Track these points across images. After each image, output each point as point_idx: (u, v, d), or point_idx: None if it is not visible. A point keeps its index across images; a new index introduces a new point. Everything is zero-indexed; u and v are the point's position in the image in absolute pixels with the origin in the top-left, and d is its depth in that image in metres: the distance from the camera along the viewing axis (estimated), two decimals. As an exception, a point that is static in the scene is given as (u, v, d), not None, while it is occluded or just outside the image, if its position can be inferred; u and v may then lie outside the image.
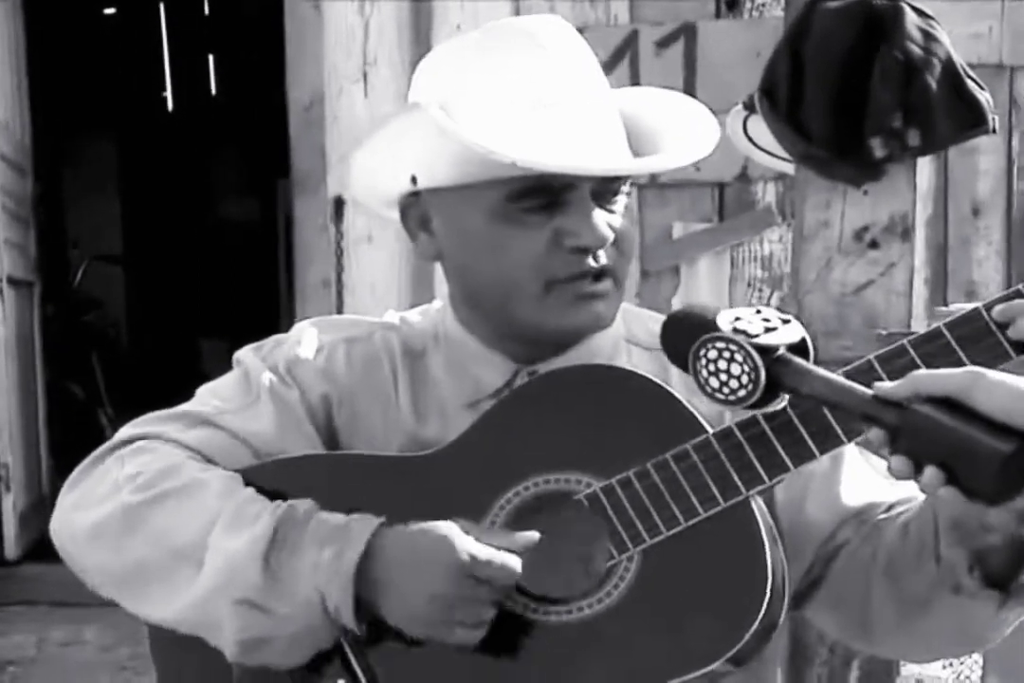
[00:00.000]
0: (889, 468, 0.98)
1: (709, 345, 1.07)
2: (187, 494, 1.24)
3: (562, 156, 1.20)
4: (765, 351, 1.06)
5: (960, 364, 1.02)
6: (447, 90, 1.24)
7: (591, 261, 1.23)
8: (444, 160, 1.24)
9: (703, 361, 1.08)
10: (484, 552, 1.15)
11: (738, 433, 1.13)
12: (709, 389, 1.08)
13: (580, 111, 1.23)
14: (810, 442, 1.10)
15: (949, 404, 0.95)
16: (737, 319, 1.08)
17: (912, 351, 1.06)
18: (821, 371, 1.05)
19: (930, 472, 0.95)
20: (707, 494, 1.14)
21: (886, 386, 0.99)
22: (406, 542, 1.18)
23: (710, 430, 1.15)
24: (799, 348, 1.08)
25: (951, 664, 3.31)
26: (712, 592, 1.13)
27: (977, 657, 3.08)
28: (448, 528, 1.17)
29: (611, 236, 1.23)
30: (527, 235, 1.23)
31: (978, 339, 1.04)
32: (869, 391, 1.00)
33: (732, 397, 1.07)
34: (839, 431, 1.09)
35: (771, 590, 1.11)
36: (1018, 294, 1.05)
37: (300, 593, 1.18)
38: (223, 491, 1.24)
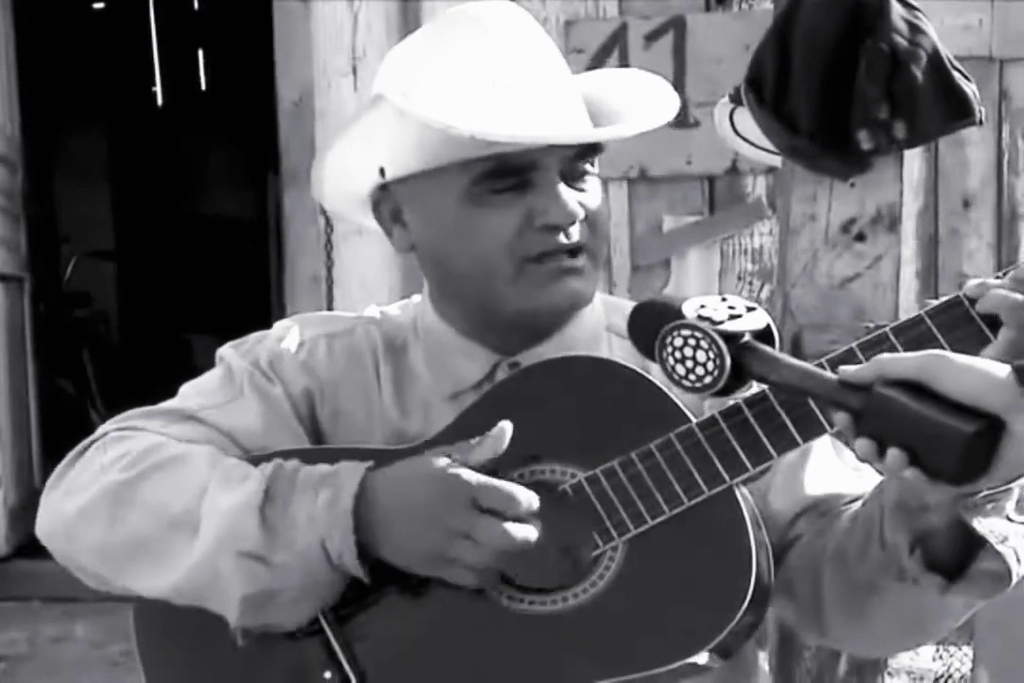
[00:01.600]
0: (854, 451, 0.99)
1: (675, 333, 1.08)
2: (175, 465, 1.24)
3: (520, 128, 1.20)
4: (730, 338, 1.06)
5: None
6: (405, 81, 1.25)
7: (563, 238, 1.24)
8: (408, 147, 1.25)
9: (669, 349, 1.09)
10: (490, 480, 1.14)
11: (721, 422, 1.13)
12: (676, 376, 1.09)
13: (537, 89, 1.24)
14: (793, 430, 1.10)
15: (913, 387, 0.96)
16: (702, 307, 1.09)
17: (893, 338, 1.06)
18: (786, 357, 1.06)
19: (893, 454, 0.96)
20: (691, 483, 1.14)
21: (850, 370, 1.00)
22: (402, 476, 1.18)
23: (693, 419, 1.15)
24: (764, 335, 1.09)
25: (941, 656, 3.33)
26: (698, 581, 1.13)
27: (967, 649, 3.09)
28: (443, 459, 1.17)
29: (581, 213, 1.24)
30: (497, 217, 1.24)
31: (959, 326, 1.05)
32: (834, 376, 1.01)
33: (698, 384, 1.08)
34: (821, 419, 1.09)
35: (756, 578, 1.11)
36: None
37: (300, 543, 1.17)
38: (210, 459, 1.25)
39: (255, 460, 1.28)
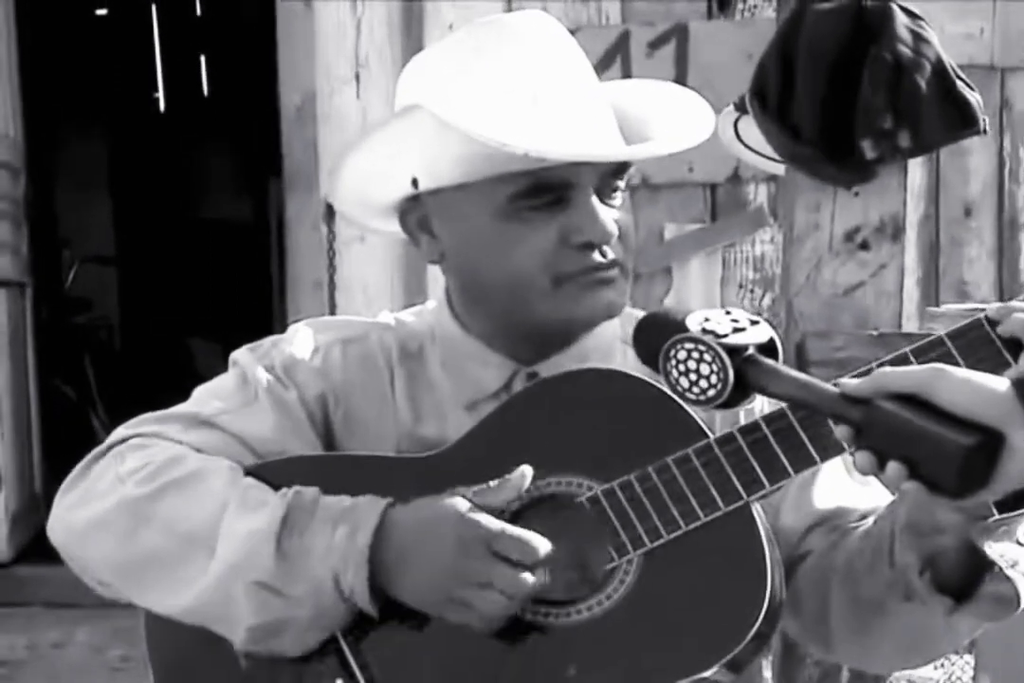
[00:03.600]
0: (854, 464, 0.99)
1: (679, 346, 1.09)
2: (193, 483, 1.24)
3: (568, 146, 1.20)
4: (733, 351, 1.07)
5: None
6: (440, 91, 1.24)
7: (598, 256, 1.25)
8: (447, 159, 1.24)
9: (673, 362, 1.09)
10: (507, 527, 1.15)
11: (739, 438, 1.13)
12: (679, 389, 1.10)
13: (577, 104, 1.24)
14: (811, 448, 1.10)
15: (913, 400, 0.96)
16: (706, 320, 1.10)
17: (913, 359, 1.06)
18: (789, 370, 1.07)
19: (893, 467, 0.96)
20: (708, 498, 1.14)
21: (851, 383, 1.00)
22: (420, 518, 1.18)
23: (711, 435, 1.15)
24: (768, 348, 1.10)
25: (942, 665, 3.32)
26: (711, 596, 1.14)
27: (969, 658, 3.08)
28: (462, 503, 1.17)
29: (616, 231, 1.25)
30: (534, 233, 1.23)
31: (979, 348, 1.04)
32: (836, 389, 1.01)
33: (702, 397, 1.09)
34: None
35: (770, 595, 1.11)
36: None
37: (313, 575, 1.17)
38: (229, 479, 1.24)
39: (270, 467, 1.29)
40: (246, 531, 1.19)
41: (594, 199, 1.24)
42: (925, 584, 1.11)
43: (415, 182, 1.28)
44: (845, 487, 1.30)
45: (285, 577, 1.18)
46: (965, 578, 1.11)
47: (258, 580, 1.18)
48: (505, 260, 1.25)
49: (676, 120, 1.30)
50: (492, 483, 1.18)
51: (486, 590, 1.14)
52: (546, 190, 1.22)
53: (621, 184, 1.28)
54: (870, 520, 1.23)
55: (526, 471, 1.18)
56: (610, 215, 1.25)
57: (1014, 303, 1.04)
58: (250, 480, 1.25)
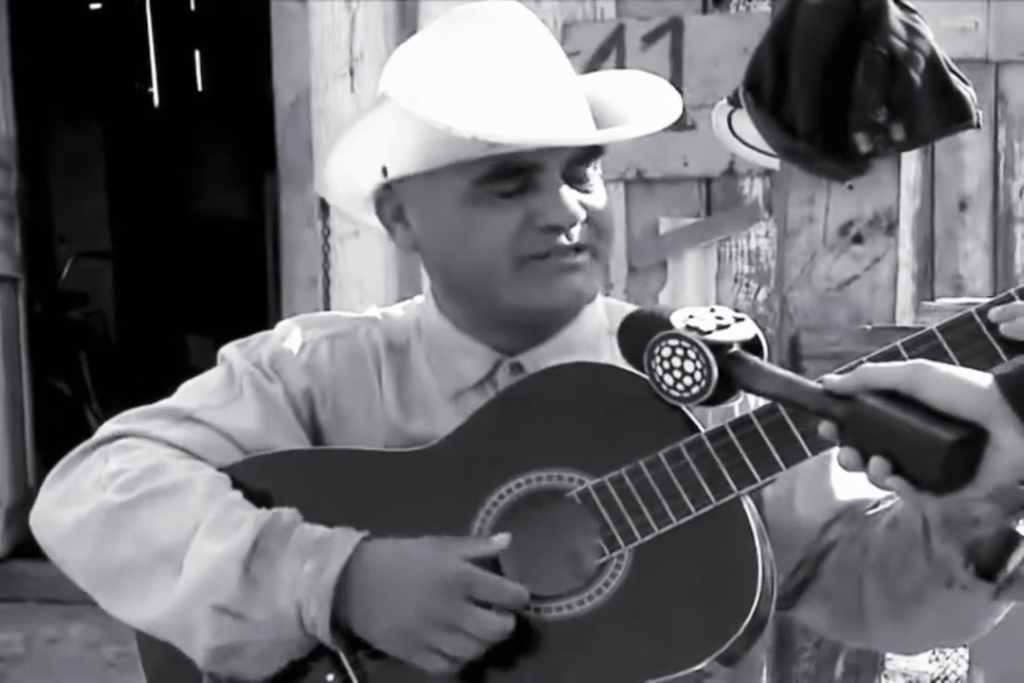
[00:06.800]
0: (839, 460, 0.99)
1: (663, 343, 1.09)
2: (171, 495, 1.24)
3: (522, 130, 1.20)
4: (717, 348, 1.07)
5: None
6: (413, 80, 1.25)
7: (563, 239, 1.24)
8: (409, 146, 1.25)
9: (657, 359, 1.09)
10: (485, 575, 1.16)
11: (730, 432, 1.13)
12: (664, 387, 1.10)
13: (541, 91, 1.24)
14: (802, 442, 1.10)
15: (896, 397, 0.96)
16: (691, 317, 1.10)
17: (904, 353, 1.05)
18: (773, 367, 1.07)
19: (876, 462, 0.96)
20: (699, 493, 1.14)
21: (835, 380, 1.00)
22: (393, 557, 1.18)
23: (702, 429, 1.15)
24: (753, 345, 1.10)
25: (937, 658, 3.33)
26: (703, 591, 1.14)
27: (963, 651, 3.09)
28: (439, 545, 1.18)
29: (582, 214, 1.24)
30: (498, 217, 1.23)
31: (970, 342, 1.04)
32: (820, 386, 1.01)
33: (686, 394, 1.09)
34: None
35: (761, 589, 1.11)
36: (1009, 298, 1.04)
37: (277, 603, 1.18)
38: (208, 493, 1.24)
39: (256, 462, 1.28)
40: (214, 553, 1.19)
41: (560, 182, 1.23)
42: (970, 575, 1.11)
43: (384, 171, 1.29)
44: (860, 476, 1.30)
45: (248, 601, 1.18)
46: (999, 557, 1.11)
47: (219, 604, 1.19)
48: (471, 244, 1.25)
49: (643, 108, 1.30)
50: (473, 536, 1.19)
51: (454, 633, 1.14)
52: (510, 174, 1.23)
53: (591, 170, 1.27)
54: (890, 510, 1.23)
55: (506, 537, 1.18)
56: (578, 198, 1.24)
57: (1019, 304, 1.03)
58: (232, 494, 1.25)
